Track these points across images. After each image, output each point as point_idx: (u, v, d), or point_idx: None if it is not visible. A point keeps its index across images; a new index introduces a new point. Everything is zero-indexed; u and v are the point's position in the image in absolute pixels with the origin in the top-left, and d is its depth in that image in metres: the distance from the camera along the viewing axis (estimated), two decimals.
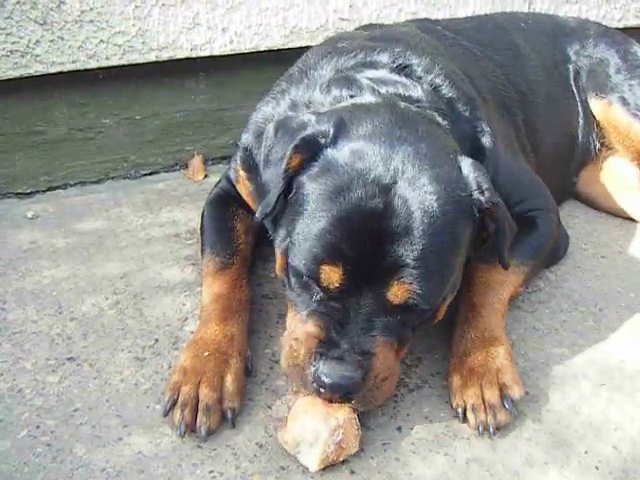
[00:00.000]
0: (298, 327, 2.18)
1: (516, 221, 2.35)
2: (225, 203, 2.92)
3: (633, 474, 2.13)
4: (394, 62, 2.61)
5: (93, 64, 3.48)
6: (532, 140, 3.27)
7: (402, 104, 2.39)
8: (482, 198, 2.17)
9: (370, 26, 3.25)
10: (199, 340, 2.37)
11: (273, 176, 2.26)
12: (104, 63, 3.51)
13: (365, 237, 2.03)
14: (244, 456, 2.14)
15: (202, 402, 2.18)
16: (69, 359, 2.49)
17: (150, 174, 3.88)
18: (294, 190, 2.22)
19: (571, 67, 3.69)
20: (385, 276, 2.04)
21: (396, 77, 2.55)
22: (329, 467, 2.09)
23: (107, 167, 3.79)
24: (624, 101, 3.57)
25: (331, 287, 2.08)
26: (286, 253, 2.21)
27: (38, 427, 2.21)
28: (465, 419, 2.26)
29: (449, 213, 2.10)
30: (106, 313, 2.72)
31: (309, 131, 2.21)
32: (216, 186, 3.05)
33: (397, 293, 2.05)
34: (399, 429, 2.25)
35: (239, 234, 2.79)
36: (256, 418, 2.24)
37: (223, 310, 2.47)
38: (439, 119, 2.45)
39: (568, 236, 3.23)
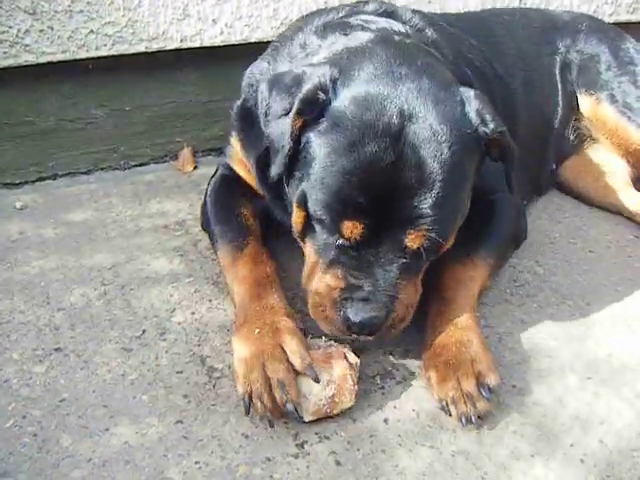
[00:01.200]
0: (318, 280, 2.27)
1: (478, 207, 2.37)
2: (226, 191, 2.93)
3: (618, 467, 2.14)
4: (380, 8, 2.72)
5: (83, 54, 3.47)
6: (508, 122, 3.25)
7: (396, 37, 2.44)
8: (487, 130, 2.23)
9: None
10: (243, 324, 2.34)
11: (277, 134, 2.29)
12: (94, 53, 3.50)
13: (382, 190, 2.10)
14: (230, 447, 2.14)
15: (273, 380, 2.15)
16: (56, 349, 2.48)
17: (140, 165, 3.87)
18: (303, 145, 2.25)
19: (558, 59, 3.70)
20: (403, 225, 2.13)
21: (382, 19, 2.62)
22: (312, 455, 2.09)
23: (96, 158, 3.78)
24: (613, 98, 3.58)
25: (352, 240, 2.17)
26: (304, 205, 2.25)
27: (24, 417, 2.21)
28: (449, 412, 2.25)
29: (457, 153, 2.16)
30: (94, 304, 2.71)
31: (308, 87, 2.21)
32: (213, 177, 3.05)
33: (415, 239, 2.14)
34: (385, 421, 2.26)
35: (247, 217, 2.80)
36: (242, 409, 2.22)
37: (253, 287, 2.47)
38: (433, 51, 2.50)
39: (526, 214, 3.23)
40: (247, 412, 2.17)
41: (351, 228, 2.14)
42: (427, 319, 2.50)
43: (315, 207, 2.20)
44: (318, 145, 2.20)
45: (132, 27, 3.52)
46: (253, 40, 3.80)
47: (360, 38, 2.44)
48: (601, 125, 3.63)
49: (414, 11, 2.81)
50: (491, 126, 2.22)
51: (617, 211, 3.61)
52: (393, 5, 2.80)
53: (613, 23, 4.52)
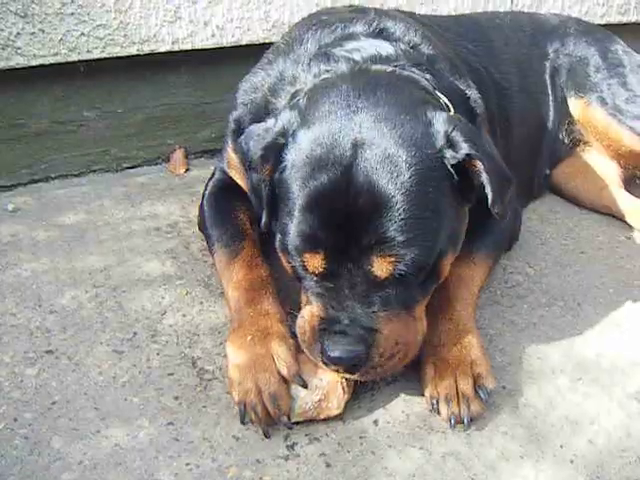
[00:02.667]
0: (304, 308, 2.25)
1: (478, 207, 2.36)
2: (223, 195, 2.93)
3: (608, 467, 2.15)
4: (370, 27, 2.65)
5: (74, 57, 3.47)
6: (502, 128, 3.29)
7: (373, 67, 2.40)
8: (454, 153, 2.13)
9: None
10: (237, 329, 2.36)
11: (256, 184, 2.34)
12: (85, 56, 3.50)
13: (337, 220, 2.07)
14: (221, 449, 2.14)
15: (264, 393, 2.17)
16: (48, 352, 2.48)
17: (132, 167, 3.87)
18: (276, 190, 2.27)
19: (548, 64, 3.73)
20: (366, 253, 2.07)
21: (372, 41, 2.56)
22: (303, 457, 2.11)
23: (89, 160, 3.78)
24: (602, 101, 3.59)
25: (317, 272, 2.14)
26: (281, 249, 2.27)
27: (16, 420, 2.21)
28: (438, 411, 2.26)
29: (415, 174, 2.08)
30: (85, 306, 2.71)
31: (269, 137, 2.26)
32: (210, 180, 3.05)
33: (381, 267, 2.07)
34: (375, 422, 2.26)
35: (243, 221, 2.79)
36: (232, 411, 2.24)
37: (247, 292, 2.47)
38: (417, 75, 2.44)
39: (521, 217, 3.25)
40: (242, 421, 2.19)
41: (310, 260, 2.12)
42: (427, 314, 2.49)
43: (286, 248, 2.20)
44: (279, 188, 2.23)
45: (124, 30, 3.52)
46: (244, 42, 3.80)
47: (336, 71, 2.43)
48: (591, 127, 3.64)
49: (408, 23, 2.74)
50: (460, 148, 2.13)
51: (608, 212, 3.62)
52: (385, 20, 2.70)
53: (605, 24, 4.55)
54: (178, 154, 3.92)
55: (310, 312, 2.21)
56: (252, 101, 2.73)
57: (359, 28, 2.65)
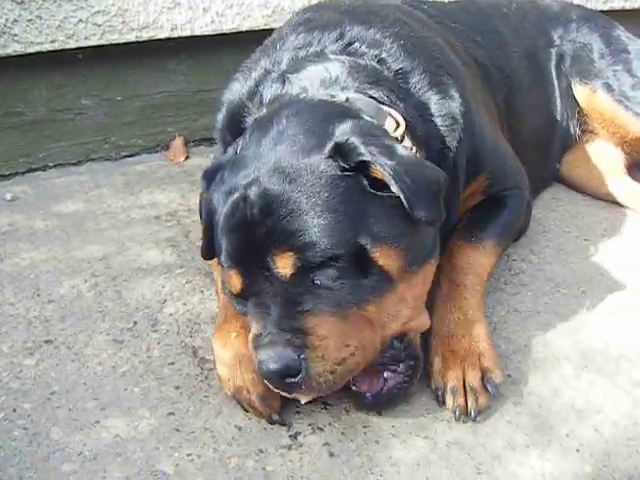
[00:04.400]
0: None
1: (492, 199, 2.33)
2: None
3: (614, 456, 2.12)
4: (339, 41, 2.63)
5: (72, 44, 3.45)
6: (512, 122, 3.27)
7: (301, 96, 2.41)
8: (343, 159, 2.11)
9: None
10: (222, 324, 2.34)
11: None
12: (83, 43, 3.48)
13: (239, 237, 2.12)
14: (222, 439, 2.12)
15: (253, 394, 2.17)
16: (46, 342, 2.47)
17: (131, 156, 3.86)
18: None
19: (554, 51, 3.69)
20: (268, 256, 2.05)
21: (329, 64, 2.52)
22: (306, 446, 2.09)
23: (87, 148, 3.76)
24: (609, 87, 3.56)
25: (238, 291, 2.14)
26: None
27: (14, 410, 2.19)
28: (443, 401, 2.24)
29: (301, 178, 2.09)
30: (84, 295, 2.69)
31: (212, 166, 2.42)
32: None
33: (282, 263, 2.04)
34: (379, 412, 2.24)
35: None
36: (234, 401, 2.22)
37: None
38: (354, 95, 2.41)
39: (532, 209, 3.22)
40: (245, 410, 2.20)
41: (230, 282, 2.15)
42: (436, 301, 2.49)
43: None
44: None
45: (122, 16, 3.50)
46: (244, 28, 3.78)
47: (282, 99, 2.45)
48: (597, 115, 3.61)
49: (385, 33, 2.67)
50: (354, 155, 2.10)
51: (612, 200, 3.59)
52: (356, 34, 2.65)
53: (607, 11, 4.53)
54: (177, 142, 3.90)
55: (250, 335, 2.15)
56: (232, 103, 2.72)
57: (330, 44, 2.63)
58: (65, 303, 2.65)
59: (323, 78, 2.47)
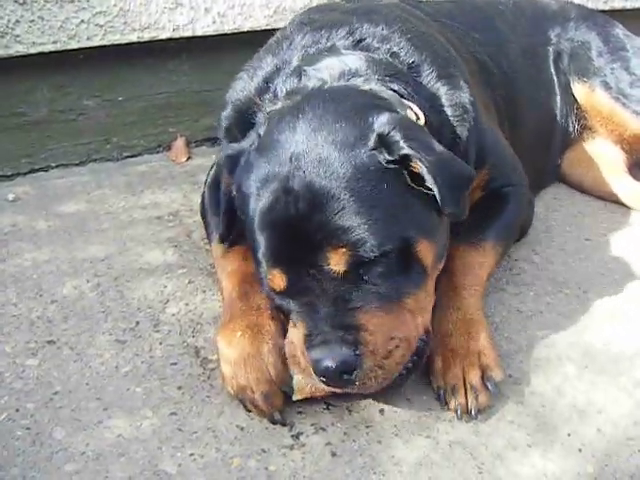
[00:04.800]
0: (290, 331, 2.20)
1: (492, 197, 2.33)
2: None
3: (616, 456, 2.13)
4: (350, 37, 2.64)
5: (74, 45, 3.45)
6: (511, 119, 3.28)
7: (331, 85, 2.41)
8: (386, 152, 2.13)
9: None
10: (228, 323, 2.34)
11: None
12: (85, 44, 3.48)
13: (285, 233, 2.10)
14: (225, 439, 2.12)
15: (257, 392, 2.17)
16: (49, 342, 2.47)
17: (132, 156, 3.86)
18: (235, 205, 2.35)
19: (551, 49, 3.70)
20: (320, 253, 2.05)
21: (345, 57, 2.54)
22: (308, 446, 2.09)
23: (89, 149, 3.76)
24: (606, 85, 3.57)
25: (282, 289, 2.13)
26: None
27: (17, 410, 2.19)
28: (445, 401, 2.25)
29: (347, 171, 2.09)
30: (87, 296, 2.70)
31: (231, 152, 2.38)
32: (212, 168, 3.02)
33: (337, 260, 2.04)
34: (381, 411, 2.24)
35: (231, 233, 2.76)
36: (236, 401, 2.22)
37: (240, 284, 2.44)
38: (378, 86, 2.43)
39: (534, 208, 3.22)
40: (247, 409, 2.21)
41: (273, 280, 2.13)
42: (436, 302, 2.46)
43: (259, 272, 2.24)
44: (238, 206, 2.31)
45: (124, 16, 3.50)
46: (246, 29, 3.78)
47: (302, 91, 2.43)
48: (596, 112, 3.62)
49: (393, 27, 2.69)
50: (396, 149, 2.11)
51: (613, 199, 3.60)
52: (365, 30, 2.67)
53: (608, 10, 4.53)
54: (179, 142, 3.90)
55: (294, 337, 2.16)
56: (239, 100, 2.73)
57: (340, 40, 2.64)
58: (67, 303, 2.65)
59: (342, 70, 2.47)
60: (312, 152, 2.12)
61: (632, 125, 3.54)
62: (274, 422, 2.18)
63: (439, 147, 2.21)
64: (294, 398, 2.19)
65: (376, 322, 2.07)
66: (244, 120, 2.61)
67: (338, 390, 2.11)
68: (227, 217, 2.35)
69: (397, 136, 2.12)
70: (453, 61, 2.74)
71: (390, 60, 2.58)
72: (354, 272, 2.06)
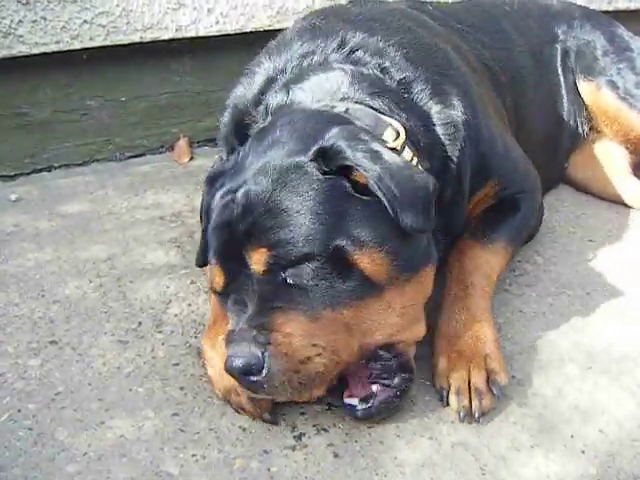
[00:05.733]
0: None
1: (504, 202, 2.32)
2: None
3: (619, 457, 2.12)
4: (343, 49, 2.62)
5: (77, 45, 3.46)
6: (521, 123, 3.27)
7: (300, 107, 2.43)
8: (325, 162, 2.12)
9: (358, 2, 3.20)
10: (212, 326, 2.36)
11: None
12: (88, 44, 3.48)
13: (223, 235, 2.15)
14: (227, 440, 2.12)
15: (242, 395, 2.17)
16: (51, 342, 2.47)
17: (135, 156, 3.86)
18: None
19: (559, 47, 3.69)
20: (244, 251, 2.08)
21: (331, 74, 2.53)
22: (310, 447, 2.09)
23: (92, 149, 3.77)
24: (613, 85, 3.56)
25: (221, 287, 2.16)
26: None
27: (19, 411, 2.19)
28: (447, 402, 2.24)
29: (283, 179, 2.11)
30: (89, 296, 2.69)
31: (212, 173, 2.44)
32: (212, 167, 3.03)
33: (255, 259, 2.05)
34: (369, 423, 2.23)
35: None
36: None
37: None
38: (355, 107, 2.41)
39: (543, 212, 3.20)
40: (236, 411, 2.22)
41: (214, 279, 2.17)
42: (443, 301, 2.49)
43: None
44: None
45: (126, 17, 3.50)
46: (249, 29, 3.78)
47: (281, 110, 2.48)
48: (601, 112, 3.61)
49: (388, 40, 2.66)
50: (339, 159, 2.11)
51: (617, 200, 3.59)
52: (360, 42, 2.63)
53: (612, 11, 4.52)
54: (182, 143, 3.91)
55: (225, 332, 2.16)
56: (237, 107, 2.73)
57: (333, 53, 2.62)
58: (70, 304, 2.65)
59: (325, 88, 2.48)
60: (257, 167, 2.18)
61: (638, 125, 3.53)
62: (264, 421, 2.18)
63: (390, 156, 2.16)
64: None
65: (294, 325, 2.03)
66: (241, 130, 2.62)
67: (250, 393, 2.09)
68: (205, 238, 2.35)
69: (341, 147, 2.11)
70: (452, 76, 2.69)
71: (379, 75, 2.55)
72: (276, 273, 2.06)
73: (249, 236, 2.07)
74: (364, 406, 2.16)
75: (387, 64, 2.57)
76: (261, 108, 2.58)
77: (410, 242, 2.19)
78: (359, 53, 2.59)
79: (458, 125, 2.58)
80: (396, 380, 2.18)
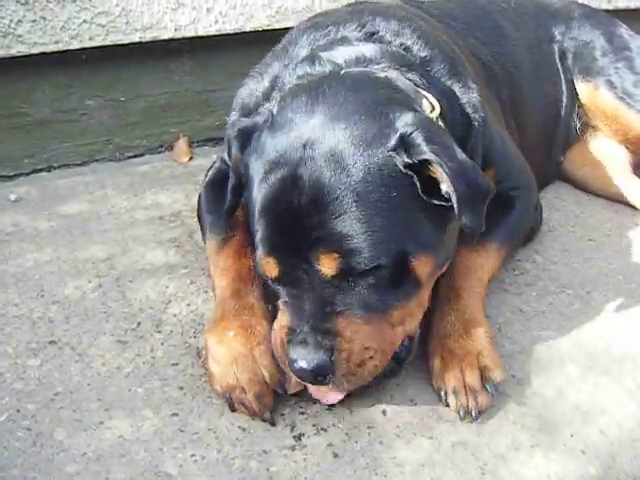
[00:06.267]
0: (278, 317, 2.21)
1: (497, 199, 2.30)
2: (221, 183, 2.89)
3: (619, 458, 2.12)
4: (361, 31, 2.61)
5: (76, 45, 3.45)
6: (517, 118, 3.28)
7: (349, 70, 2.38)
8: (406, 155, 2.06)
9: (356, 3, 3.22)
10: (219, 321, 2.33)
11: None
12: (87, 44, 3.47)
13: (285, 222, 2.08)
14: (226, 440, 2.12)
15: (249, 393, 2.17)
16: (50, 342, 2.46)
17: (135, 156, 3.85)
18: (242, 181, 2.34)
19: (556, 46, 3.70)
20: (313, 251, 2.04)
21: (360, 45, 2.53)
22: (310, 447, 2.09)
23: (91, 149, 3.76)
24: (611, 84, 3.57)
25: (273, 277, 2.14)
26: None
27: (18, 411, 2.19)
28: (446, 402, 2.24)
29: (359, 172, 2.04)
30: (89, 296, 2.69)
31: (242, 125, 2.33)
32: (210, 168, 3.02)
33: (327, 263, 2.03)
34: (384, 412, 2.24)
35: (238, 211, 2.74)
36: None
37: (234, 282, 2.43)
38: (396, 76, 2.39)
39: (542, 211, 3.21)
40: (232, 409, 2.21)
41: (265, 265, 2.13)
42: (435, 303, 2.49)
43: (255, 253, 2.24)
44: (246, 183, 2.30)
45: (126, 17, 3.49)
46: (248, 29, 3.78)
47: (317, 74, 2.43)
48: (600, 112, 3.62)
49: (403, 23, 2.67)
50: (417, 152, 2.04)
51: (617, 199, 3.60)
52: (377, 23, 2.64)
53: (612, 10, 4.51)
54: (181, 143, 3.90)
55: (279, 323, 2.17)
56: (247, 106, 2.73)
57: (351, 32, 2.62)
58: (69, 304, 2.65)
59: (358, 57, 2.46)
60: (326, 143, 2.07)
61: (636, 125, 3.54)
62: (264, 421, 2.18)
63: (461, 154, 2.14)
64: (290, 392, 2.21)
65: (354, 329, 2.06)
66: None
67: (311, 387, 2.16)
68: (234, 194, 2.34)
69: (419, 138, 2.05)
70: (460, 61, 2.73)
71: (403, 53, 2.56)
72: (343, 278, 2.05)
73: (321, 237, 2.02)
74: None
75: (409, 43, 2.59)
76: (275, 92, 2.56)
77: (448, 241, 2.26)
78: (381, 33, 2.60)
79: (477, 106, 2.61)
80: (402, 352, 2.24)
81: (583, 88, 3.62)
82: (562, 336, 2.59)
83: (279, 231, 2.09)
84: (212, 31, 3.72)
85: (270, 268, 2.11)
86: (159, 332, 2.52)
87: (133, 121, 3.83)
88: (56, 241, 3.01)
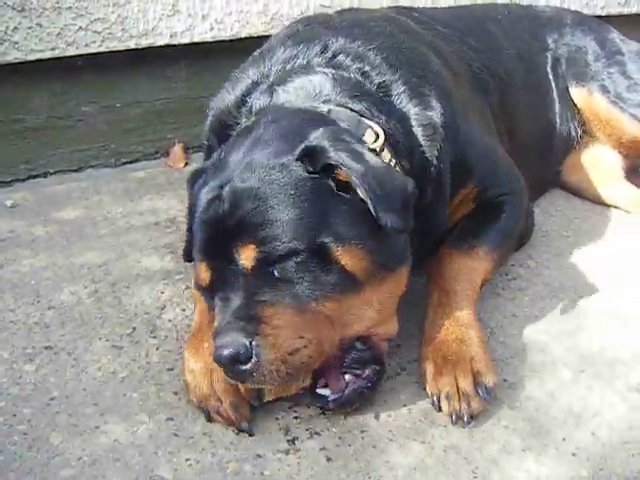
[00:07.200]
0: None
1: (486, 205, 2.33)
2: None
3: (611, 460, 2.13)
4: (323, 54, 2.66)
5: (72, 51, 3.47)
6: (509, 126, 3.28)
7: (283, 107, 2.47)
8: (310, 161, 2.17)
9: (345, 11, 3.25)
10: (196, 333, 2.37)
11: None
12: (83, 50, 3.50)
13: (211, 231, 2.19)
14: (221, 443, 2.13)
15: (225, 402, 2.19)
16: (46, 348, 2.47)
17: (130, 162, 3.87)
18: None
19: (549, 55, 3.71)
20: (233, 248, 2.11)
21: (317, 77, 2.57)
22: (303, 451, 2.10)
23: (87, 155, 3.78)
24: (604, 89, 3.58)
25: (207, 284, 2.19)
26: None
27: (14, 416, 2.20)
28: (439, 407, 2.25)
29: (270, 177, 2.16)
30: (84, 302, 2.70)
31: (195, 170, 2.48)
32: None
33: (244, 255, 2.09)
34: (377, 416, 2.25)
35: None
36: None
37: None
38: (337, 109, 2.46)
39: (534, 216, 3.23)
40: (208, 419, 2.22)
41: (198, 274, 2.21)
42: (426, 310, 2.50)
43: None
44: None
45: (121, 23, 3.51)
46: (243, 35, 3.80)
47: (264, 109, 2.53)
48: (594, 117, 3.63)
49: (368, 46, 2.69)
50: (322, 159, 2.16)
51: (611, 204, 3.61)
52: (340, 47, 2.66)
53: (605, 16, 4.54)
54: (177, 149, 3.91)
55: (212, 331, 2.17)
56: (220, 110, 2.75)
57: (313, 58, 2.66)
58: (65, 309, 2.66)
59: (308, 90, 2.53)
60: (245, 163, 2.21)
61: (629, 129, 3.55)
62: (240, 431, 2.18)
63: (371, 158, 2.24)
64: (265, 399, 2.21)
65: (282, 318, 2.07)
66: (222, 130, 2.65)
67: (238, 382, 2.12)
68: (191, 234, 2.38)
69: (325, 146, 2.17)
70: (431, 79, 2.72)
71: (359, 79, 2.60)
72: (264, 268, 2.10)
73: (238, 232, 2.11)
74: (335, 396, 2.21)
75: (367, 68, 2.62)
76: (244, 109, 2.62)
77: (389, 241, 2.25)
78: (340, 57, 2.64)
79: (436, 126, 2.61)
80: (367, 371, 2.24)
81: (577, 93, 3.63)
82: (555, 340, 2.60)
83: (206, 239, 2.20)
84: (208, 38, 3.74)
85: (203, 276, 2.18)
86: (154, 337, 2.54)
87: (129, 127, 3.84)
88: (52, 247, 3.02)
